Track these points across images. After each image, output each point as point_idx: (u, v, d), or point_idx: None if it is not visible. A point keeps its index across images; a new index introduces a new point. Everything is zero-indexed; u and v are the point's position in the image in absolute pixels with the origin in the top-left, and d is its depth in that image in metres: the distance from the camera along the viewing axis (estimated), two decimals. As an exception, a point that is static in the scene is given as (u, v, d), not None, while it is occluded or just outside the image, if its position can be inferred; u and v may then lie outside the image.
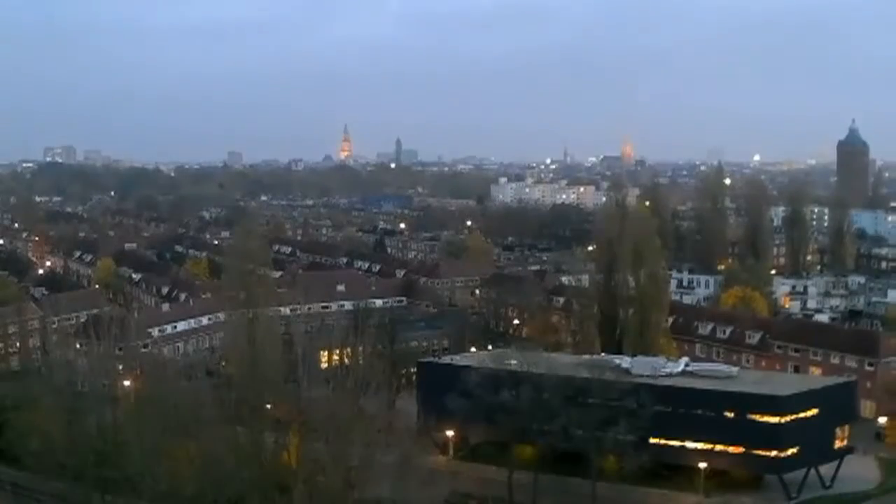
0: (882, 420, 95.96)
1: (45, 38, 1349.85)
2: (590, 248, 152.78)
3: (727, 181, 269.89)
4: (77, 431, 78.12)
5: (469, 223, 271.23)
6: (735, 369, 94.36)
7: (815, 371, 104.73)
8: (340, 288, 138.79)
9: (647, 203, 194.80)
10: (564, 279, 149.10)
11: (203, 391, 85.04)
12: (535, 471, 79.18)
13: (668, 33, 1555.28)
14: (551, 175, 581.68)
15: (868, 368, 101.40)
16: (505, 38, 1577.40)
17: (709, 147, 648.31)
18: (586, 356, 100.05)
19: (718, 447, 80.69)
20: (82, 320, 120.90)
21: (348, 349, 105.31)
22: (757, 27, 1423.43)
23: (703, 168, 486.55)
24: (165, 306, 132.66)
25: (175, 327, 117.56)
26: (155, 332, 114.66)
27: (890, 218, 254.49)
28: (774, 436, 79.05)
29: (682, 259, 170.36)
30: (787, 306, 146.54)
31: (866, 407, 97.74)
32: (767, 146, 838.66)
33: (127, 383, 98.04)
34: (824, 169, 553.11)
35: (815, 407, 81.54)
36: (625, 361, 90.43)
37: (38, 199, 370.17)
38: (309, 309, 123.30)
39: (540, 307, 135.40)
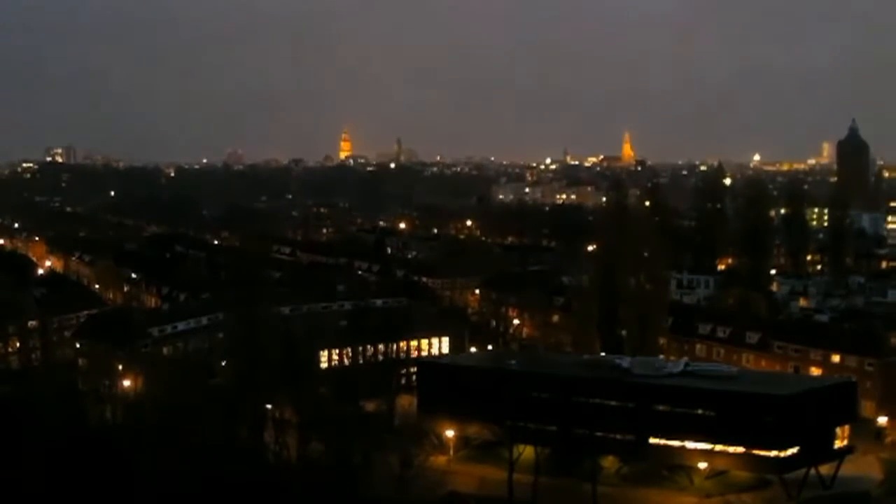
0: (882, 420, 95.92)
1: (45, 38, 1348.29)
2: (590, 248, 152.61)
3: (727, 181, 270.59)
4: (77, 431, 78.10)
5: (469, 223, 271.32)
6: (735, 369, 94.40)
7: (815, 371, 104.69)
8: (340, 288, 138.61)
9: (647, 203, 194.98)
10: (564, 279, 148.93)
11: (203, 391, 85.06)
12: (534, 471, 79.19)
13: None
14: (551, 175, 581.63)
15: (868, 368, 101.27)
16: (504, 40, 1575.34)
17: (709, 147, 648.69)
18: (586, 356, 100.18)
19: (718, 447, 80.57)
20: (82, 320, 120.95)
21: (348, 349, 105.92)
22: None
23: (703, 168, 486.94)
24: (165, 306, 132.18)
25: (175, 327, 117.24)
26: (155, 332, 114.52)
27: (890, 218, 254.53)
28: (774, 436, 78.98)
29: (682, 259, 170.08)
30: (787, 306, 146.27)
31: (866, 407, 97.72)
32: (767, 146, 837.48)
33: (127, 383, 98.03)
34: (824, 169, 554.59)
35: (815, 407, 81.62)
36: (625, 361, 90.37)
37: (38, 199, 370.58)
38: (309, 309, 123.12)
39: (540, 307, 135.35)
